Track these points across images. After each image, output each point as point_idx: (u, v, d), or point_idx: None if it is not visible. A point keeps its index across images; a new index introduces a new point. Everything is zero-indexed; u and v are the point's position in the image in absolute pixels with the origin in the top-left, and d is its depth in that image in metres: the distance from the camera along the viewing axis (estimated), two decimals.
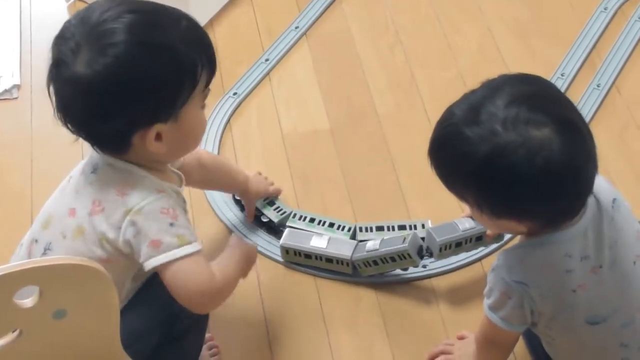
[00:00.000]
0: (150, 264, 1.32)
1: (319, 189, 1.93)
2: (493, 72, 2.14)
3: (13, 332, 1.23)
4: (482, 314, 1.41)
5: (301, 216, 1.81)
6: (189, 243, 1.33)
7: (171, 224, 1.32)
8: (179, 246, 1.32)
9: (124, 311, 1.37)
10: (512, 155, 1.18)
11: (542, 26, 2.27)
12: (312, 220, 1.81)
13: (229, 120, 2.07)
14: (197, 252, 1.33)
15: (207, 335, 1.64)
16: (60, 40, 1.31)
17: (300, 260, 1.76)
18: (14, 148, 2.04)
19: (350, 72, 2.19)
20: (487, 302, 1.37)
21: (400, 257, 1.68)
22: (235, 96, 2.12)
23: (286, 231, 1.77)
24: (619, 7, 2.29)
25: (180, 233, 1.33)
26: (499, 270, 1.32)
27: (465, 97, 1.28)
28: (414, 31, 2.28)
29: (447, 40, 2.25)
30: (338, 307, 1.73)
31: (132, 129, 1.31)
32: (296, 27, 2.28)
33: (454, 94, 2.08)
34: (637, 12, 2.27)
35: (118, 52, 1.26)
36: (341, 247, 1.74)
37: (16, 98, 2.15)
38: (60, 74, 1.30)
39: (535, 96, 1.23)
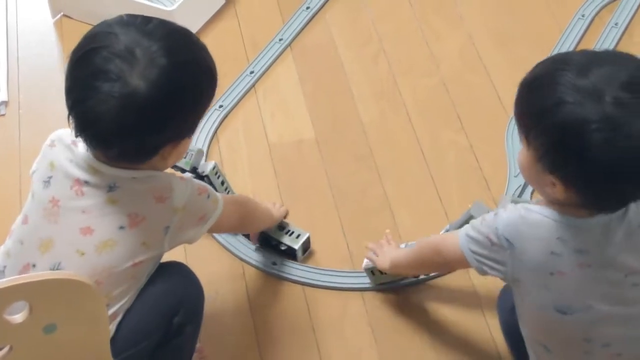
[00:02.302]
0: (198, 235, 1.48)
1: (306, 197, 1.95)
2: (474, 79, 2.20)
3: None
4: (454, 234, 1.42)
5: (217, 172, 1.85)
6: (218, 198, 1.50)
7: (207, 197, 1.47)
8: (216, 207, 1.49)
9: (128, 311, 1.42)
10: (599, 133, 1.17)
11: (522, 33, 2.29)
12: (222, 183, 1.87)
13: (215, 133, 2.09)
14: (222, 198, 1.51)
15: (198, 345, 1.66)
16: (101, 50, 1.30)
17: (387, 278, 1.76)
18: (2, 164, 2.05)
19: (335, 81, 2.21)
20: (468, 230, 1.38)
21: None
22: (221, 109, 2.14)
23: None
24: (596, 14, 2.33)
25: (213, 198, 1.48)
26: (498, 219, 1.33)
27: (586, 51, 1.28)
28: (397, 40, 2.31)
29: (429, 48, 2.28)
30: (327, 316, 1.75)
31: (169, 141, 1.36)
32: (280, 39, 2.30)
33: (437, 101, 2.14)
34: (613, 19, 2.30)
35: (172, 69, 1.30)
36: None
37: (3, 115, 2.16)
38: (102, 85, 1.28)
39: None
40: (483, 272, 1.38)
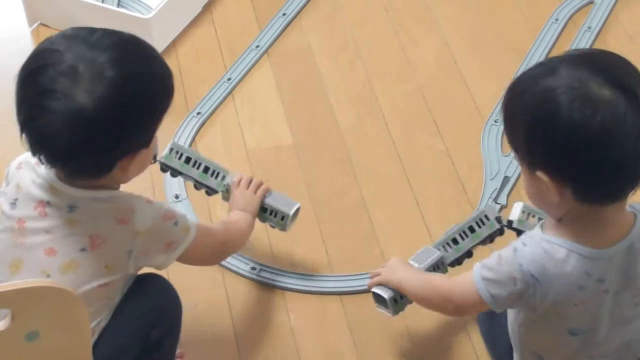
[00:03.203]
0: (166, 263, 1.45)
1: None
2: (450, 83, 2.22)
3: None
4: (465, 279, 1.38)
5: (178, 152, 1.75)
6: (190, 227, 1.46)
7: (175, 223, 1.43)
8: (187, 235, 1.45)
9: (106, 327, 1.42)
10: (561, 96, 1.20)
11: (496, 37, 2.32)
12: (187, 160, 1.75)
13: (193, 140, 2.10)
14: (197, 227, 1.47)
15: (178, 351, 1.67)
16: (47, 68, 1.29)
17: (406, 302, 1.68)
18: None
19: (312, 87, 2.23)
20: (484, 272, 1.34)
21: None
22: (199, 116, 2.15)
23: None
24: (570, 18, 2.36)
25: (183, 225, 1.45)
26: (520, 255, 1.30)
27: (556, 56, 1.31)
28: (373, 46, 2.33)
29: (406, 54, 2.30)
30: (306, 319, 1.76)
31: (123, 155, 1.34)
32: (257, 46, 2.32)
33: (414, 106, 2.16)
34: (586, 23, 2.33)
35: (119, 82, 1.28)
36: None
37: None
38: (50, 104, 1.27)
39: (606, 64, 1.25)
40: (502, 309, 1.37)
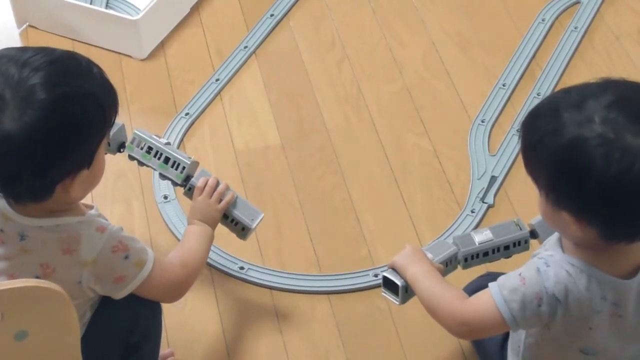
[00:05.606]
0: (121, 295, 1.41)
1: (272, 203, 1.97)
2: (437, 83, 2.24)
3: None
4: (483, 302, 1.33)
5: (140, 142, 1.69)
6: (146, 261, 1.41)
7: (126, 257, 1.39)
8: (140, 271, 1.40)
9: (84, 336, 1.41)
10: (596, 149, 1.17)
11: (483, 38, 2.33)
12: (149, 150, 1.69)
13: (182, 141, 2.11)
14: (154, 261, 1.42)
15: (168, 350, 1.68)
16: None
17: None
18: None
19: (299, 88, 2.24)
20: (505, 293, 1.30)
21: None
22: (187, 116, 2.16)
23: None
24: (556, 18, 2.37)
25: (136, 260, 1.40)
26: (546, 277, 1.28)
27: (583, 85, 1.26)
28: (360, 46, 2.34)
29: (392, 54, 2.31)
30: (294, 319, 1.77)
31: (60, 178, 1.30)
32: (245, 47, 2.32)
33: (401, 106, 2.18)
34: (573, 23, 2.34)
35: (47, 105, 1.25)
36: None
37: None
38: None
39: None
40: (519, 329, 1.35)
